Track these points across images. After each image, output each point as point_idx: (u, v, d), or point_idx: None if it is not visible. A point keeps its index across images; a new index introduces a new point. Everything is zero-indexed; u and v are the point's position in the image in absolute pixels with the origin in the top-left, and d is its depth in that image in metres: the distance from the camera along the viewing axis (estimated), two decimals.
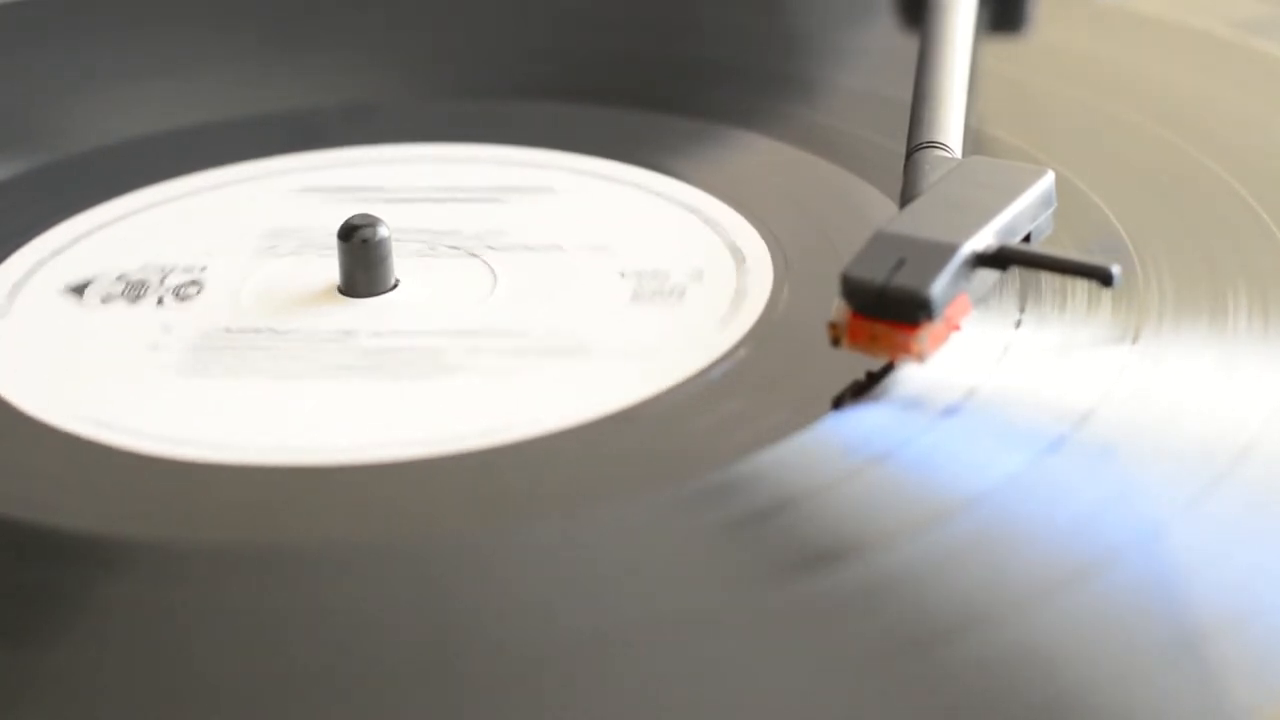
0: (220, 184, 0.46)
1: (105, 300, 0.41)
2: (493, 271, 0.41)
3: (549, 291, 0.40)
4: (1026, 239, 0.37)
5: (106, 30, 0.53)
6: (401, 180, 0.45)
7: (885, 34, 0.51)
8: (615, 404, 0.36)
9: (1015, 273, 0.38)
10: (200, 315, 0.40)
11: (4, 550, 0.34)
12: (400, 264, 0.41)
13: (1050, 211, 0.38)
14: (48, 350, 0.40)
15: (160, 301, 0.41)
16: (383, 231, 0.40)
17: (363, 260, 0.40)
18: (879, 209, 0.41)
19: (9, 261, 0.43)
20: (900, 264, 0.35)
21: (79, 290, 0.42)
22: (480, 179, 0.45)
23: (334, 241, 0.41)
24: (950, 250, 0.35)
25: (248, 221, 0.44)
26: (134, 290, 0.41)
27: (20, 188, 0.46)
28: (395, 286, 0.40)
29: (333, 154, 0.46)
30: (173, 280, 0.41)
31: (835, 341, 0.35)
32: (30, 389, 0.38)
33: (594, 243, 0.42)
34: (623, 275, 0.40)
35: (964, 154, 0.40)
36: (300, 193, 0.45)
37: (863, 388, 0.36)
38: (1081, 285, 0.38)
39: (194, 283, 0.41)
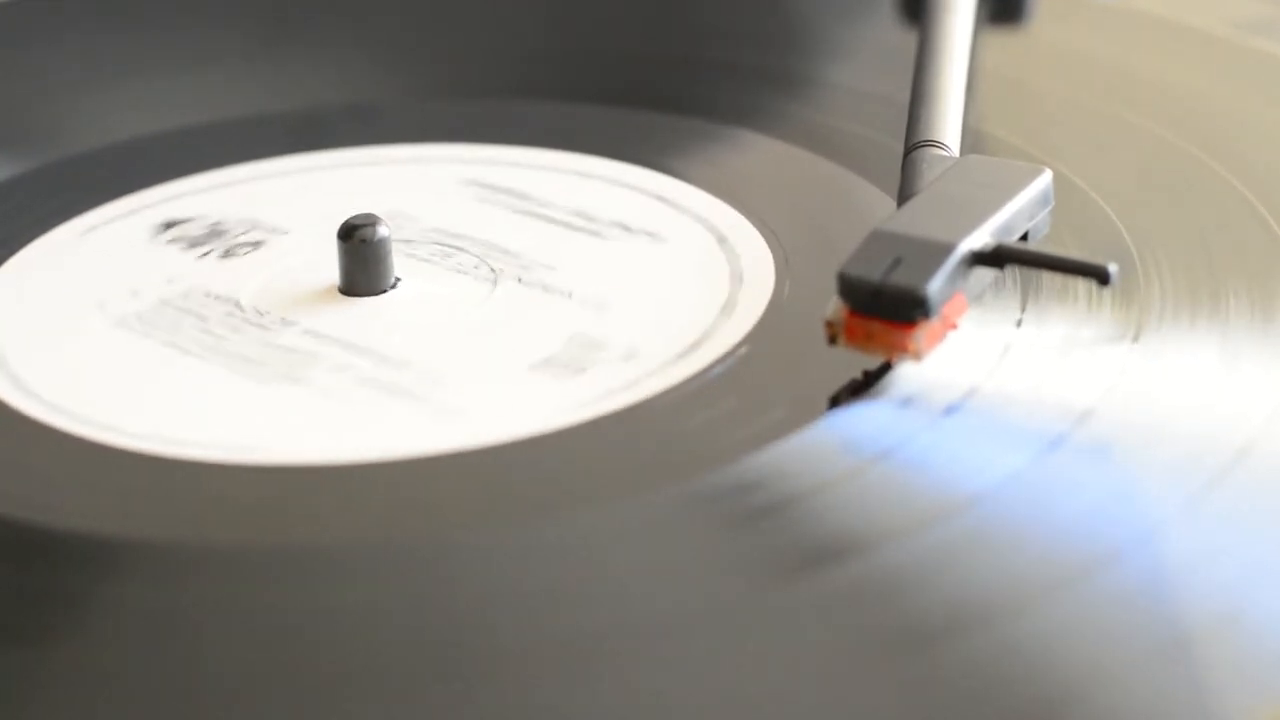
0: (389, 160, 0.46)
1: (171, 241, 0.42)
2: (489, 267, 0.41)
3: (548, 271, 0.40)
4: (1024, 238, 0.37)
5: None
6: (545, 192, 0.45)
7: (885, 32, 0.51)
8: (615, 404, 0.36)
9: (1016, 271, 0.38)
10: (209, 275, 0.41)
11: (4, 550, 0.34)
12: (435, 274, 0.41)
13: (1048, 210, 0.38)
14: (58, 282, 0.41)
15: (206, 254, 0.42)
16: (382, 232, 0.40)
17: (360, 259, 0.40)
18: (879, 208, 0.41)
19: (145, 192, 0.45)
20: (897, 262, 0.35)
21: (167, 227, 0.43)
22: (612, 210, 0.44)
23: (427, 234, 0.42)
24: (947, 249, 0.35)
25: (377, 202, 0.43)
26: (205, 239, 0.42)
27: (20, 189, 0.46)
28: (395, 287, 0.41)
29: (509, 151, 0.47)
30: (245, 237, 0.42)
31: (832, 340, 0.35)
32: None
33: (588, 229, 0.42)
34: (567, 340, 0.39)
35: (963, 152, 0.40)
36: (459, 184, 0.45)
37: (860, 387, 0.36)
38: (1082, 284, 0.38)
39: (256, 244, 0.42)
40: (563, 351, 0.38)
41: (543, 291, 0.40)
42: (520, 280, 0.41)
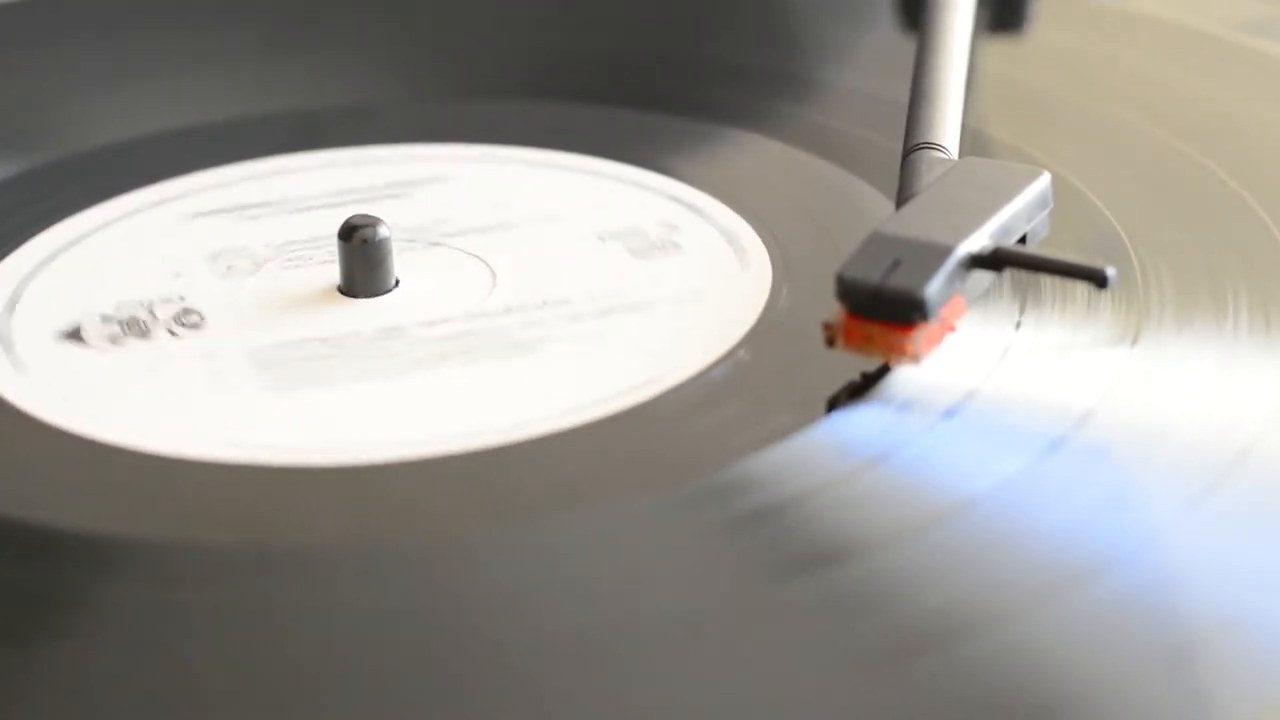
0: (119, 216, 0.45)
1: (114, 341, 0.40)
2: (488, 266, 0.41)
3: (549, 272, 0.41)
4: (1022, 240, 0.37)
5: (106, 30, 0.53)
6: (542, 191, 0.45)
7: (885, 34, 0.51)
8: (615, 405, 0.36)
9: (1015, 274, 0.38)
10: (227, 337, 0.40)
11: (4, 550, 0.34)
12: (430, 271, 0.41)
13: (1046, 213, 0.38)
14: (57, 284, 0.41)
15: (172, 333, 0.40)
16: (383, 231, 0.40)
17: (363, 260, 0.40)
18: (878, 209, 0.41)
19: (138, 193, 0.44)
20: (895, 265, 0.35)
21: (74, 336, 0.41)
22: (610, 210, 0.44)
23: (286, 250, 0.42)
24: (945, 251, 0.35)
25: (185, 250, 0.43)
26: (132, 328, 0.40)
27: (18, 187, 0.46)
28: (396, 286, 0.41)
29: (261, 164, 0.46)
30: (163, 313, 0.41)
31: (830, 342, 0.35)
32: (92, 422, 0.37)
33: (588, 231, 0.42)
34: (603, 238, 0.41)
35: (962, 154, 0.40)
36: (451, 184, 0.45)
37: (858, 389, 0.36)
38: (1081, 287, 0.38)
39: (187, 311, 0.41)
40: (636, 243, 0.38)
41: (524, 244, 0.41)
42: (521, 277, 0.41)
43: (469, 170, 0.46)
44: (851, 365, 0.36)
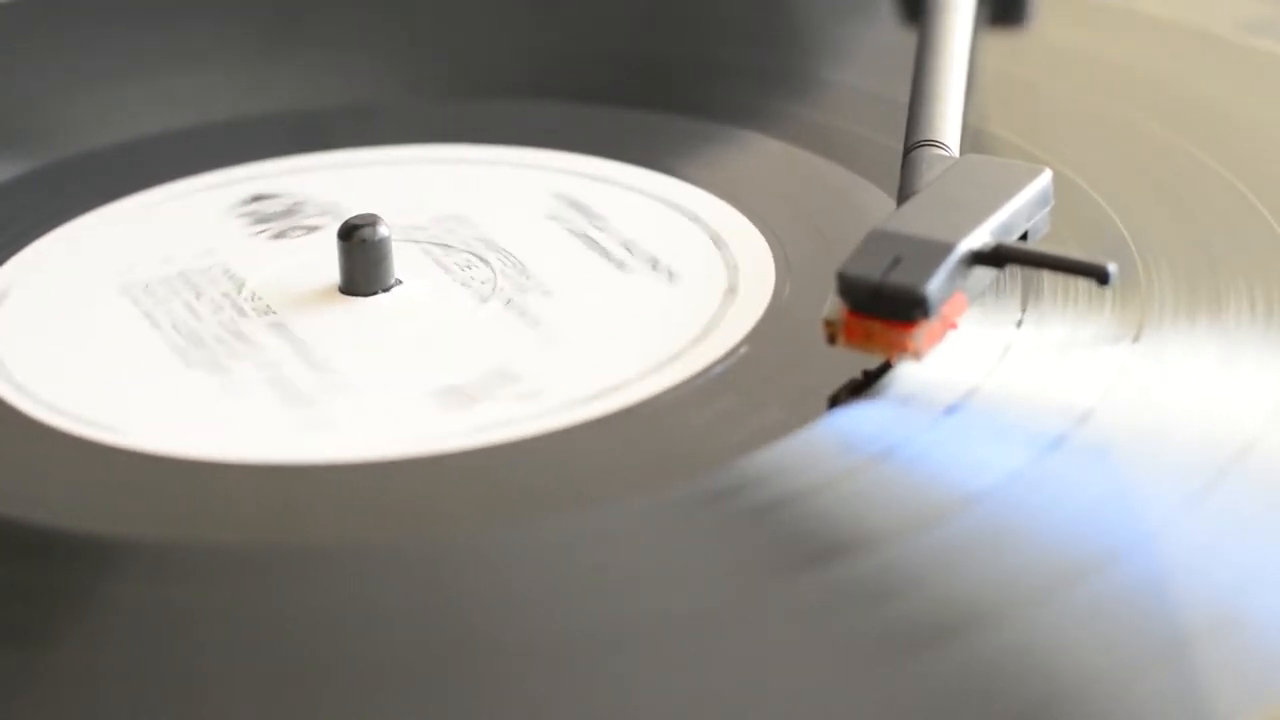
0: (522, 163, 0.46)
1: (239, 215, 0.44)
2: (480, 311, 0.41)
3: (452, 353, 0.39)
4: (1024, 237, 0.37)
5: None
6: (543, 191, 0.45)
7: (886, 32, 0.51)
8: (615, 404, 0.36)
9: (1017, 271, 0.38)
10: (242, 253, 0.42)
11: (4, 550, 0.34)
12: (441, 276, 0.41)
13: (1047, 210, 0.38)
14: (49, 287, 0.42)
15: (262, 233, 0.43)
16: (382, 231, 0.40)
17: (359, 259, 0.40)
18: (879, 207, 0.41)
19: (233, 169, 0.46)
20: (896, 262, 0.35)
21: (248, 201, 0.44)
22: (607, 209, 0.44)
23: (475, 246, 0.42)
24: (946, 248, 0.35)
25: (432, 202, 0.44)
26: (278, 217, 0.44)
27: (19, 188, 0.46)
28: (394, 286, 0.41)
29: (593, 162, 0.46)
30: (309, 221, 0.43)
31: (831, 339, 0.35)
32: None
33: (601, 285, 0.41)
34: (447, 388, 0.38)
35: (962, 152, 0.40)
36: (553, 196, 0.45)
37: (860, 386, 0.36)
38: (1082, 284, 0.38)
39: (314, 228, 0.43)
40: (473, 381, 0.38)
41: (520, 316, 0.40)
42: (509, 303, 0.40)
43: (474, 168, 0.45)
44: (853, 363, 0.36)
